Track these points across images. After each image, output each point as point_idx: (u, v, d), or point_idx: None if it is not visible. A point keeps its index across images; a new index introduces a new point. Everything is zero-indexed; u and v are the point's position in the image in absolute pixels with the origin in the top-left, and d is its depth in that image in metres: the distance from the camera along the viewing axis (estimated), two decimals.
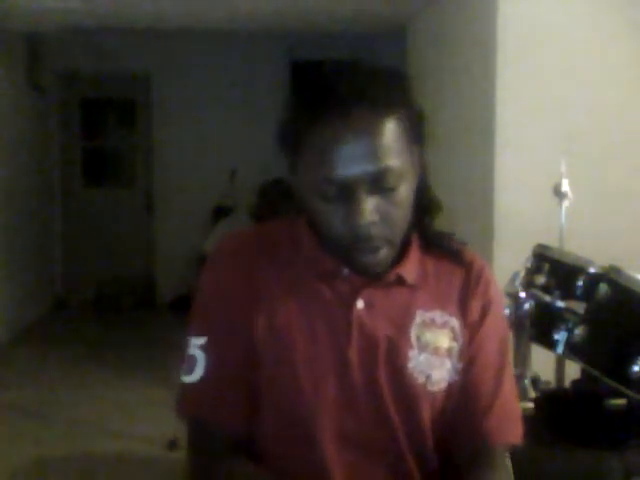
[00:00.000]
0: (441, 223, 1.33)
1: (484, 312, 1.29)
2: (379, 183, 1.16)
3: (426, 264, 1.29)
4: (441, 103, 5.08)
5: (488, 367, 1.28)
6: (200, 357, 1.25)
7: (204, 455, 1.26)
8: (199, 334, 1.27)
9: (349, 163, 1.14)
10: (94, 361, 5.69)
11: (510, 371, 1.32)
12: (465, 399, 1.27)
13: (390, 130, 1.16)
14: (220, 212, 7.04)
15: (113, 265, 7.68)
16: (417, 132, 1.22)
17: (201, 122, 7.56)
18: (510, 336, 1.37)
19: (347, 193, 1.16)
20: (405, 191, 1.19)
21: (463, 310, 1.28)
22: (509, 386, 1.30)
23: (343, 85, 1.15)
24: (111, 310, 7.39)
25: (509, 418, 1.29)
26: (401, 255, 1.26)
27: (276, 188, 7.19)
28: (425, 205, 1.30)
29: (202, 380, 1.25)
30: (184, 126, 7.56)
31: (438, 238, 1.32)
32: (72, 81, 7.54)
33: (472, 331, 1.28)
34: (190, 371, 1.25)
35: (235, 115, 7.55)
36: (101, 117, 7.92)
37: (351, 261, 1.21)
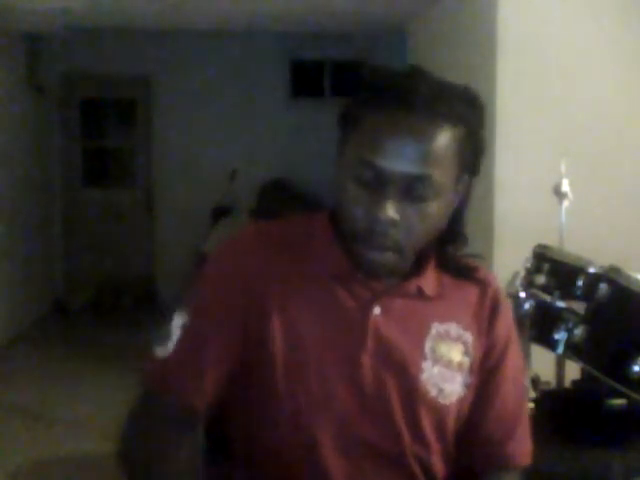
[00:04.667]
0: None
1: (506, 345, 1.31)
2: (414, 189, 1.15)
3: (442, 278, 1.30)
4: None
5: (511, 397, 1.31)
6: (178, 333, 1.26)
7: (153, 419, 1.25)
8: (187, 312, 1.28)
9: (395, 157, 1.14)
10: (94, 361, 5.68)
11: (526, 394, 1.37)
12: (487, 425, 1.30)
13: (443, 141, 1.15)
14: (220, 212, 7.04)
15: (113, 265, 7.67)
16: (472, 158, 1.21)
17: (201, 122, 7.55)
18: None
19: (380, 184, 1.15)
20: (435, 207, 1.18)
21: (479, 330, 1.29)
22: (526, 410, 1.36)
23: (421, 86, 1.16)
24: (111, 310, 7.38)
25: (526, 442, 1.34)
26: (419, 268, 1.27)
27: (276, 188, 7.21)
28: (452, 235, 1.29)
29: (173, 354, 1.25)
30: (184, 126, 7.55)
31: (455, 263, 1.32)
32: (72, 81, 7.53)
33: (494, 358, 1.30)
34: (163, 343, 1.27)
35: (235, 115, 7.55)
36: (101, 117, 7.91)
37: (357, 254, 1.20)
